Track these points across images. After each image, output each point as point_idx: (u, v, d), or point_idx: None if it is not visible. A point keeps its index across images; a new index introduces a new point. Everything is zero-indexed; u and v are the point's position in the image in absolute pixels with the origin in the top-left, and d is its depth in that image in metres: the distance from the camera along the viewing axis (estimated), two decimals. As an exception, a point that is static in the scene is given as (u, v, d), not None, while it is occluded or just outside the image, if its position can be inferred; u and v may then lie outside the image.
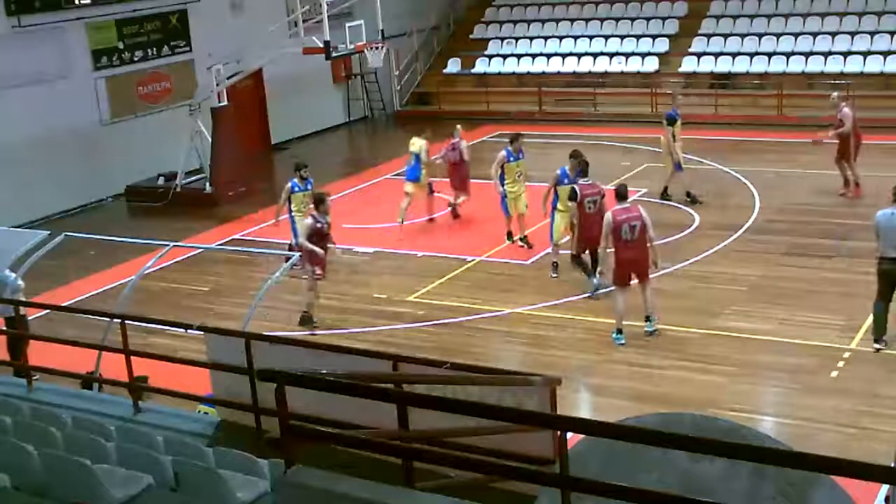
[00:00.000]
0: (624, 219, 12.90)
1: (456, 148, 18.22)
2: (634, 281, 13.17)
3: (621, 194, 13.29)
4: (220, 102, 21.59)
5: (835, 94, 20.59)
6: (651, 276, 13.20)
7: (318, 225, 14.18)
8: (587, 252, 14.74)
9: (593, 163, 15.23)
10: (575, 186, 14.65)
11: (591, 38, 29.17)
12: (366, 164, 24.61)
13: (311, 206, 14.77)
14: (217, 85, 21.42)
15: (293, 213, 15.91)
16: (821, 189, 19.30)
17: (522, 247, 16.85)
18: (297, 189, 15.97)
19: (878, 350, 12.24)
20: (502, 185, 16.61)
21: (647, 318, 13.14)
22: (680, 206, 18.53)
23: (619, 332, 13.03)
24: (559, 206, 15.28)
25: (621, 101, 26.87)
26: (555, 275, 15.46)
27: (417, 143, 18.22)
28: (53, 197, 21.14)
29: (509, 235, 17.12)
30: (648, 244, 13.01)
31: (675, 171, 18.59)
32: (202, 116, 21.62)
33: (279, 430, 5.13)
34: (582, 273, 14.80)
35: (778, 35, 26.95)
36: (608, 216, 13.13)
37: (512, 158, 16.62)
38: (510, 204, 16.75)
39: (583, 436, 5.90)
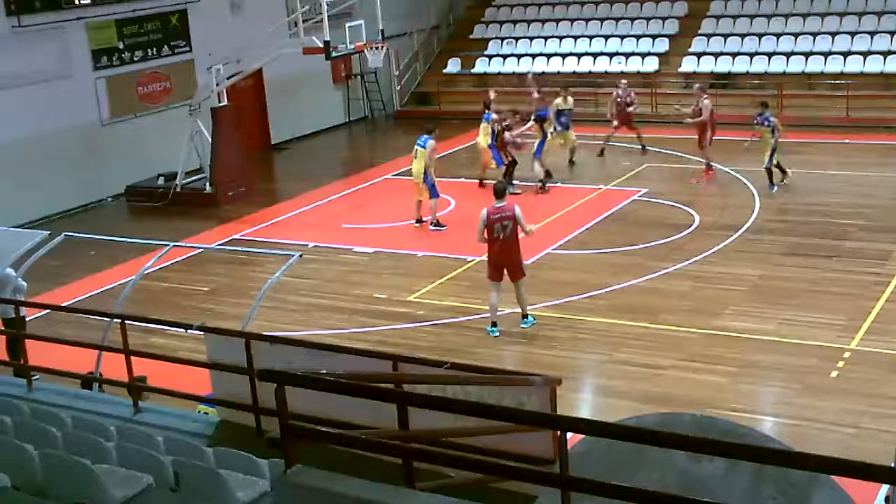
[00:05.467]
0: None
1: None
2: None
3: None
4: (220, 102, 21.56)
5: (697, 85, 21.58)
6: None
7: None
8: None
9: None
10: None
11: (591, 38, 29.15)
12: (366, 164, 24.60)
13: None
14: (217, 85, 21.39)
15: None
16: (821, 189, 19.28)
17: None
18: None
19: None
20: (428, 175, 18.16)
21: None
22: (680, 206, 18.54)
23: None
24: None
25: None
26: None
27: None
28: (53, 197, 21.11)
29: (434, 222, 18.29)
30: None
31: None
32: (202, 116, 21.59)
33: (279, 430, 5.13)
34: None
35: (778, 35, 26.93)
36: None
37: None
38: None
39: (583, 436, 5.90)
